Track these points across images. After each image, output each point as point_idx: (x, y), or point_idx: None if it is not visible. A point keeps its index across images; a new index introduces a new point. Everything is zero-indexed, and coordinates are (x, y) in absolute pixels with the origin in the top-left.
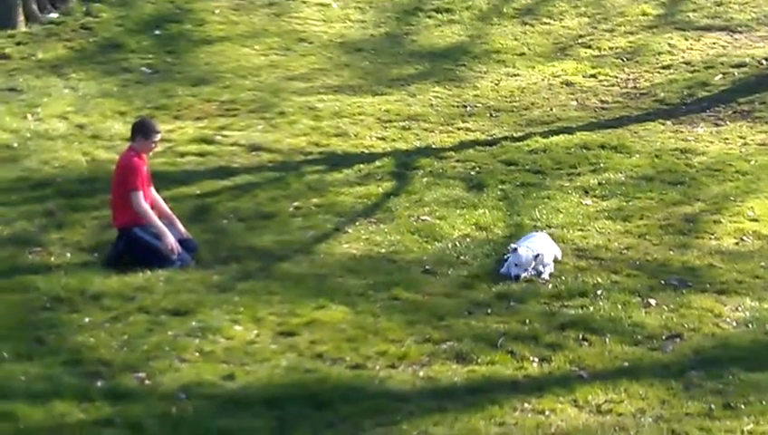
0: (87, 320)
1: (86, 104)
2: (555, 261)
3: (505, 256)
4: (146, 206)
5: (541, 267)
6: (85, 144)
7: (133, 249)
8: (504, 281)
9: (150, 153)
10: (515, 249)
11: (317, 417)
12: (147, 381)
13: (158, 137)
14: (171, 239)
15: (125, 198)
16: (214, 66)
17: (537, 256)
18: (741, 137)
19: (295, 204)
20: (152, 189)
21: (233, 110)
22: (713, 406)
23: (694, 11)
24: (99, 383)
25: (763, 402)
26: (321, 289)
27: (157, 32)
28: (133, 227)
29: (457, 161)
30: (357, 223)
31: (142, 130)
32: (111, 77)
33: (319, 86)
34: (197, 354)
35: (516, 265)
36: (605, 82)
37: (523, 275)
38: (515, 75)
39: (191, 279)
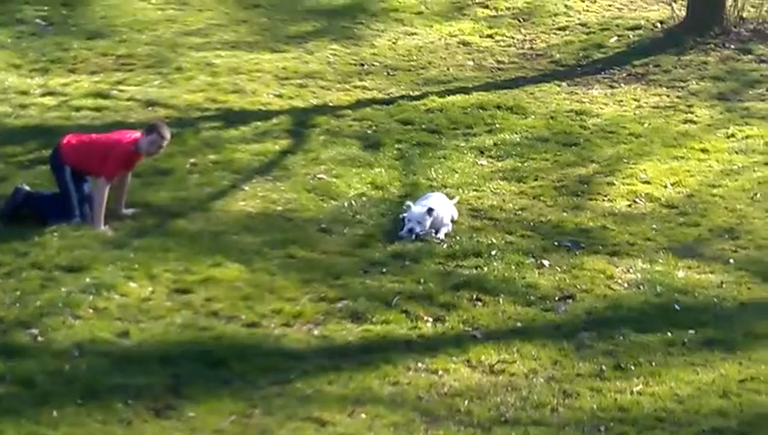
0: None
1: None
2: (452, 221)
3: (401, 216)
4: (105, 196)
5: (437, 225)
6: None
7: (33, 200)
8: (399, 240)
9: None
10: (410, 207)
11: (212, 374)
12: (39, 338)
13: (165, 144)
14: (102, 228)
15: (92, 160)
16: (110, 20)
17: (430, 210)
18: (635, 99)
19: (192, 160)
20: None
21: (129, 64)
22: (604, 367)
23: None
24: None
25: (653, 364)
26: (216, 247)
27: None
28: (67, 166)
29: (354, 120)
30: (253, 180)
31: (157, 131)
32: (5, 29)
33: (216, 42)
34: (91, 311)
35: (409, 220)
36: (501, 43)
37: (418, 230)
38: (413, 34)
39: (86, 235)
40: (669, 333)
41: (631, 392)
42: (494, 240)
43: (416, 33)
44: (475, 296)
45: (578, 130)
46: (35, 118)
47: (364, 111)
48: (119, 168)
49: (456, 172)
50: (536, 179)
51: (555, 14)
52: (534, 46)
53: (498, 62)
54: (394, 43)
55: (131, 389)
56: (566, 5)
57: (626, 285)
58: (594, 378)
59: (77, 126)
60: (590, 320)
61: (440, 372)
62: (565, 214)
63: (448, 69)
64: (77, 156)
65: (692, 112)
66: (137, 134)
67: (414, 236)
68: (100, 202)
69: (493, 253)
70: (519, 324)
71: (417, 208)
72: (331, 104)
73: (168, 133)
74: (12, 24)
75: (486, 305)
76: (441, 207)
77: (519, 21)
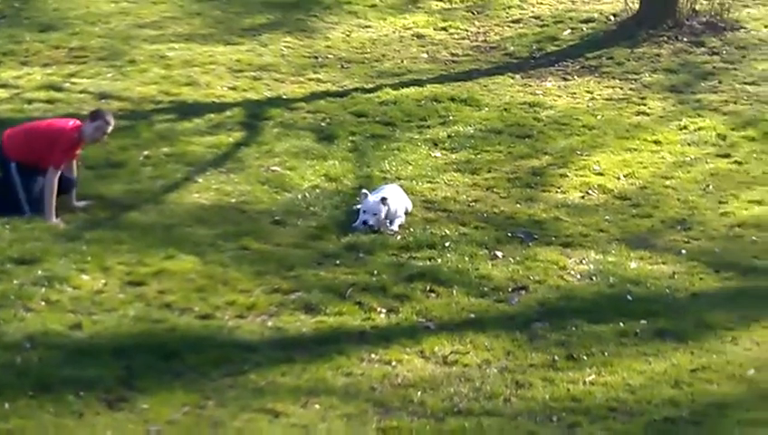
0: None
1: None
2: (406, 213)
3: (356, 207)
4: (54, 187)
5: (390, 215)
6: None
7: None
8: (353, 232)
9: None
10: (366, 195)
11: (165, 367)
12: None
13: (110, 129)
14: (54, 220)
15: (36, 151)
16: (62, 12)
17: (383, 199)
18: (588, 91)
19: (145, 153)
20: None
21: (82, 57)
22: (556, 357)
23: None
24: None
25: (605, 354)
26: (170, 239)
27: None
28: (13, 162)
29: (308, 112)
30: (207, 173)
31: (102, 117)
32: None
33: (170, 34)
34: (43, 303)
35: (364, 211)
36: (455, 35)
37: (371, 221)
38: (367, 27)
39: (37, 227)
40: (621, 324)
41: (584, 382)
42: (448, 232)
43: (370, 26)
44: (428, 288)
45: (531, 123)
46: None
47: (318, 104)
48: (65, 156)
49: (410, 164)
50: (490, 171)
51: (509, 7)
52: (488, 39)
53: (452, 54)
54: (348, 35)
55: (84, 381)
56: None
57: (579, 276)
58: (547, 368)
59: (29, 119)
60: (542, 311)
61: (393, 363)
62: (518, 205)
63: (402, 61)
64: (21, 151)
65: (645, 105)
66: (77, 121)
67: (368, 228)
68: (51, 192)
69: (446, 244)
70: (472, 315)
71: (371, 199)
72: (284, 97)
73: (111, 119)
74: None
75: (440, 297)
76: (395, 199)
77: (473, 13)
